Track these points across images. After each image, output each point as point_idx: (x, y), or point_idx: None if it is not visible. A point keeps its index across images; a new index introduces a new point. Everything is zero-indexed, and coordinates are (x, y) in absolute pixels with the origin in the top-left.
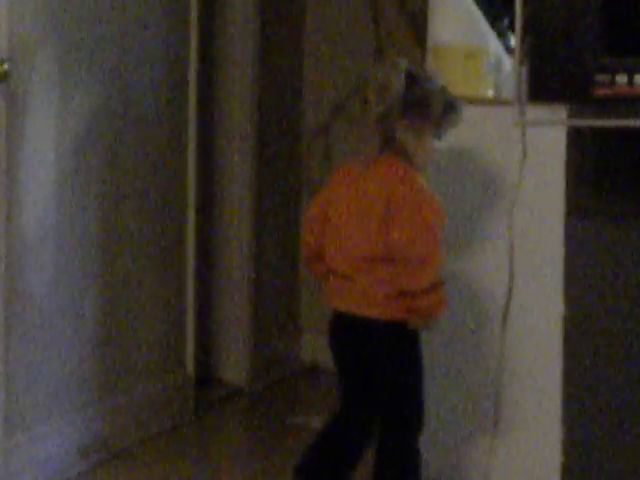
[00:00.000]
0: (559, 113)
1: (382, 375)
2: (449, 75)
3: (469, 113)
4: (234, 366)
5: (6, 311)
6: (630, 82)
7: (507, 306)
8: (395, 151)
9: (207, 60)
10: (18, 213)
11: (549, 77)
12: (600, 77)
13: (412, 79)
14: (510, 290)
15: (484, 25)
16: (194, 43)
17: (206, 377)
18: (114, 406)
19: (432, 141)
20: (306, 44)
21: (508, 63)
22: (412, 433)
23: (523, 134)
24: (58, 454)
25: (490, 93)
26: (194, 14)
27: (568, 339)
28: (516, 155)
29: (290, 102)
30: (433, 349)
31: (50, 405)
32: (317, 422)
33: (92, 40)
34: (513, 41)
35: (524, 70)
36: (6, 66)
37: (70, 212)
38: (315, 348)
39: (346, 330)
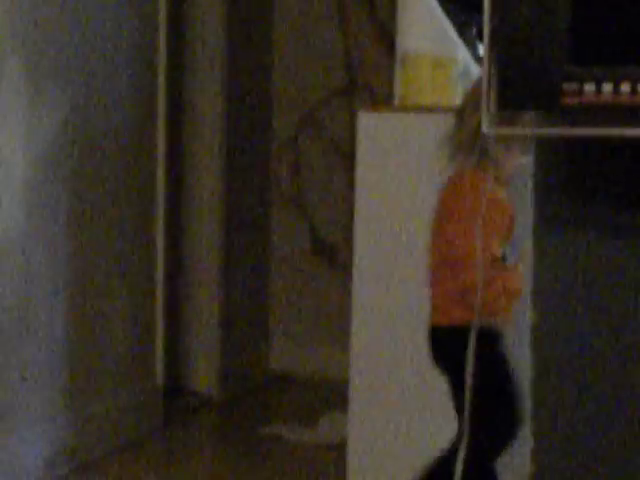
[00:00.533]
0: (526, 122)
1: (459, 385)
2: (418, 84)
3: (439, 122)
4: (203, 376)
5: None
6: (598, 91)
7: (477, 314)
8: (484, 165)
9: (176, 69)
10: None
11: (517, 86)
12: (568, 86)
13: None
14: (479, 305)
15: (452, 34)
16: (163, 52)
17: (175, 387)
18: (82, 416)
19: (519, 155)
20: (274, 54)
21: (476, 72)
22: (489, 452)
23: (492, 143)
24: (24, 465)
25: (459, 102)
26: (162, 22)
27: (536, 347)
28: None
29: (259, 112)
30: (403, 354)
31: (15, 415)
32: (288, 432)
33: (60, 48)
34: (481, 50)
35: (492, 79)
36: None
37: (39, 222)
38: (284, 357)
39: (430, 345)
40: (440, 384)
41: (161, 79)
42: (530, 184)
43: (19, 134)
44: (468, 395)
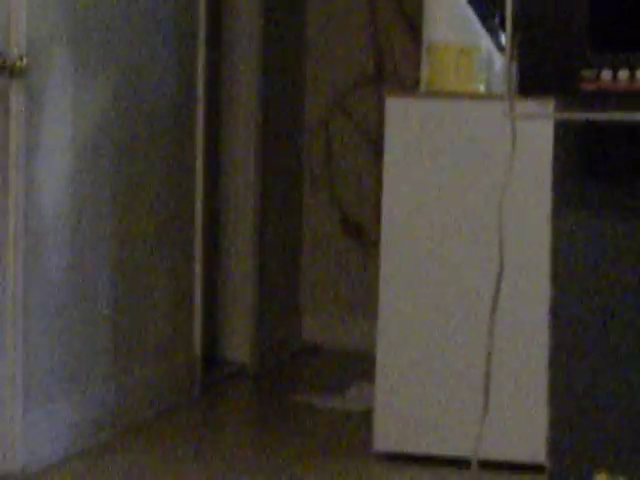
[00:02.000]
0: (547, 107)
1: None
2: (443, 72)
3: (463, 107)
4: (239, 346)
5: (25, 294)
6: (614, 77)
7: (497, 291)
8: None
9: (214, 58)
10: (36, 203)
11: (537, 73)
12: (586, 72)
13: None
14: (499, 276)
15: (476, 24)
16: (202, 42)
17: (212, 356)
18: (127, 383)
19: None
20: (307, 43)
21: (499, 60)
22: None
23: (513, 127)
24: (74, 428)
25: (482, 88)
26: (202, 14)
27: (555, 324)
28: (507, 148)
29: (292, 98)
30: (428, 327)
31: (67, 382)
32: (318, 400)
33: (106, 37)
34: (503, 39)
35: (514, 66)
36: (24, 61)
37: (85, 201)
38: (315, 329)
39: None
40: (463, 355)
41: (200, 66)
42: (549, 167)
43: (67, 117)
44: None
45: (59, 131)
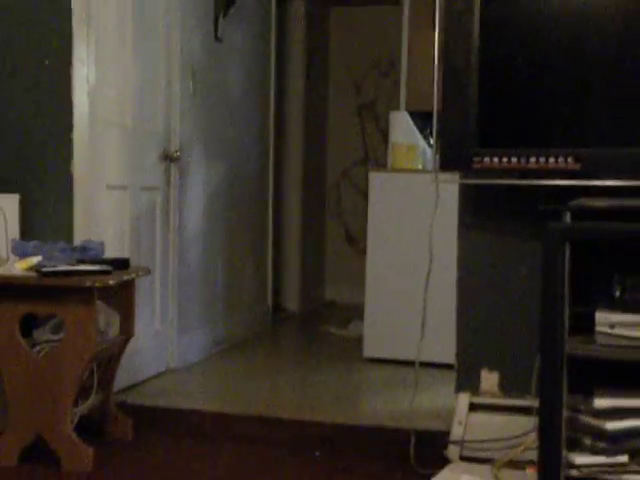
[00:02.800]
0: (454, 177)
1: None
2: (399, 158)
3: (410, 177)
4: (292, 300)
5: (179, 272)
6: (491, 161)
7: (429, 272)
8: None
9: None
10: (185, 226)
11: (449, 159)
12: (476, 158)
13: None
14: (430, 263)
15: (417, 132)
16: (272, 134)
17: (277, 305)
18: (232, 321)
19: None
20: (329, 136)
21: (429, 152)
22: None
23: (436, 186)
24: (203, 345)
25: (420, 167)
26: (272, 115)
27: (460, 290)
28: (434, 197)
29: (320, 167)
30: (393, 291)
31: (200, 319)
32: (334, 330)
33: (220, 137)
34: (432, 141)
35: (437, 155)
36: (178, 152)
37: (211, 224)
38: (333, 292)
39: None
40: (412, 304)
41: (271, 146)
42: (456, 207)
43: (200, 182)
44: None
45: (196, 190)
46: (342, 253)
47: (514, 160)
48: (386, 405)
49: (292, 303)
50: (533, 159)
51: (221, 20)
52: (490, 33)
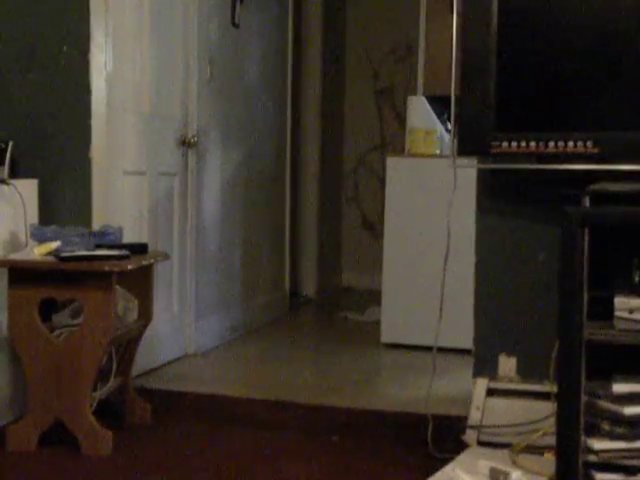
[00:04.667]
0: (473, 161)
1: None
2: (417, 144)
3: (428, 162)
4: (310, 287)
5: (196, 257)
6: (509, 145)
7: (446, 257)
8: None
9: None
10: (202, 212)
11: (467, 143)
12: (494, 143)
13: None
14: (448, 248)
15: (434, 117)
16: (289, 125)
17: (295, 292)
18: (249, 306)
19: None
20: (345, 126)
21: (447, 137)
22: None
23: (454, 172)
24: (220, 330)
25: (438, 152)
26: (289, 106)
27: (478, 275)
28: (451, 182)
29: (337, 154)
30: (409, 276)
31: (217, 303)
32: (351, 315)
33: (238, 124)
34: (449, 126)
35: (455, 140)
36: (196, 138)
37: (227, 210)
38: (349, 278)
39: None
40: (430, 288)
41: (288, 141)
42: (474, 192)
43: (217, 167)
44: None
45: (213, 175)
46: (359, 238)
47: (532, 145)
48: (404, 390)
49: (309, 289)
50: (552, 143)
51: (238, 5)
52: (509, 16)
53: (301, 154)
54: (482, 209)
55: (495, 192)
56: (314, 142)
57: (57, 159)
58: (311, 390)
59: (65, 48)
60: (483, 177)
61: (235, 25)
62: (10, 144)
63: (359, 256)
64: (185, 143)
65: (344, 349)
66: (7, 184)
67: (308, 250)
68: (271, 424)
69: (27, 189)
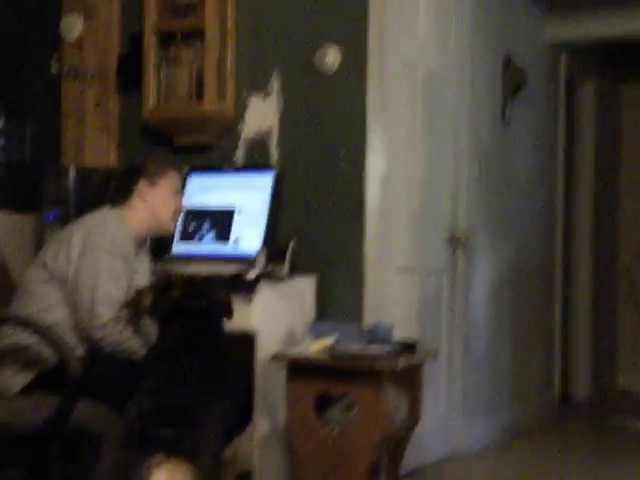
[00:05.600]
0: None
1: None
2: None
3: None
4: (580, 388)
5: (464, 354)
6: None
7: None
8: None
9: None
10: (470, 310)
11: None
12: None
13: None
14: None
15: None
16: (560, 215)
17: (565, 393)
18: (517, 409)
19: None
20: (620, 206)
21: None
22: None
23: None
24: (488, 432)
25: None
26: (561, 202)
27: None
28: None
29: (610, 241)
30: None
31: (484, 405)
32: (630, 423)
33: (505, 221)
34: None
35: None
36: (465, 236)
37: (496, 309)
38: (628, 378)
39: None
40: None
41: (559, 237)
42: None
43: (486, 265)
44: None
45: (482, 273)
46: (637, 337)
47: None
48: None
49: (581, 391)
50: None
51: (509, 103)
52: None
53: (572, 249)
54: None
55: None
56: (585, 238)
57: (333, 255)
58: None
59: (342, 153)
60: None
61: (505, 122)
62: (291, 243)
63: (638, 357)
64: (454, 240)
65: (623, 464)
66: (286, 281)
67: (580, 349)
68: None
69: (307, 285)
